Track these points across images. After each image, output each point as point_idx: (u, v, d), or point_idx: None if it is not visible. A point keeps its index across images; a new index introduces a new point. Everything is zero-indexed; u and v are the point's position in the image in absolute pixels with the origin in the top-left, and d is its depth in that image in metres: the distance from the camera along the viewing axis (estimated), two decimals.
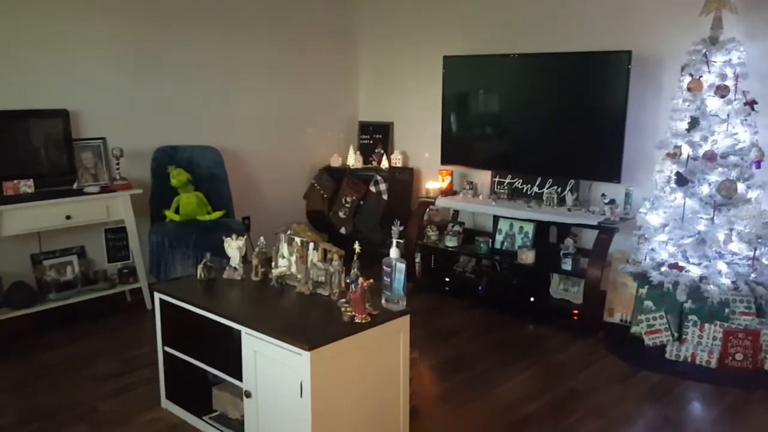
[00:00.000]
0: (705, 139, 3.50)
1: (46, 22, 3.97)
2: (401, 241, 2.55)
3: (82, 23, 4.12)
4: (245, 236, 3.13)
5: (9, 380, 3.31)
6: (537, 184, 4.47)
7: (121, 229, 4.22)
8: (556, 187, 4.35)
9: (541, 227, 4.27)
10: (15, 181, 3.77)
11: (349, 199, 5.27)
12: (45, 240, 4.04)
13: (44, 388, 3.18)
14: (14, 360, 3.52)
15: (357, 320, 2.38)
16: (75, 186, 4.02)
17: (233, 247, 2.99)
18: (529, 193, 4.50)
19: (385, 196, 5.16)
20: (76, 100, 4.12)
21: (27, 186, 3.81)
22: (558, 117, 4.36)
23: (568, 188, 4.31)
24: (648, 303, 3.66)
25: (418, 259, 4.75)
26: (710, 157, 3.45)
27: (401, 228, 2.55)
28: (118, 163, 4.15)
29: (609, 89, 4.07)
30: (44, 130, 4.00)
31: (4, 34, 3.82)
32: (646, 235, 3.69)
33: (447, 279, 4.67)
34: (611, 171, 4.04)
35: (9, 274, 3.83)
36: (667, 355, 3.51)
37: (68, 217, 3.83)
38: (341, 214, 5.28)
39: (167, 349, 2.92)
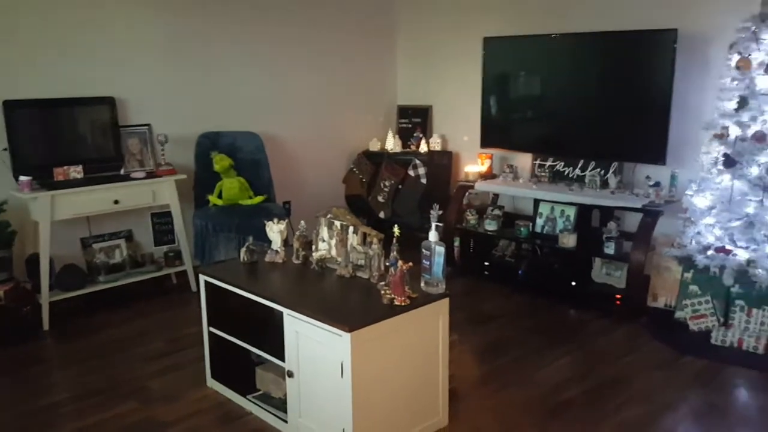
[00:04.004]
0: (754, 119, 3.38)
1: (92, 12, 4.07)
2: (440, 224, 2.55)
3: (127, 12, 4.21)
4: (286, 220, 3.18)
5: (62, 358, 3.46)
6: (579, 166, 4.40)
7: (166, 213, 4.32)
8: (599, 170, 4.28)
9: (583, 210, 4.21)
10: (65, 167, 3.88)
11: (387, 183, 5.28)
12: (94, 224, 4.17)
13: (95, 367, 3.30)
14: (67, 339, 3.66)
15: (396, 303, 2.40)
16: (122, 172, 4.12)
17: (275, 231, 3.04)
18: (570, 176, 4.44)
19: (423, 180, 5.16)
20: (122, 87, 4.22)
21: (76, 172, 3.92)
22: (601, 98, 4.28)
23: (611, 171, 4.23)
24: (693, 287, 3.59)
25: (456, 243, 4.74)
26: (759, 137, 3.34)
27: (440, 212, 2.56)
28: (163, 149, 4.25)
29: (654, 69, 3.97)
30: (92, 118, 4.11)
31: (54, 26, 3.93)
32: (692, 218, 3.60)
33: (486, 263, 4.65)
34: (656, 153, 3.96)
35: (60, 257, 3.97)
36: (712, 341, 3.45)
37: (116, 202, 3.94)
38: (380, 199, 5.30)
39: (212, 329, 3.00)
